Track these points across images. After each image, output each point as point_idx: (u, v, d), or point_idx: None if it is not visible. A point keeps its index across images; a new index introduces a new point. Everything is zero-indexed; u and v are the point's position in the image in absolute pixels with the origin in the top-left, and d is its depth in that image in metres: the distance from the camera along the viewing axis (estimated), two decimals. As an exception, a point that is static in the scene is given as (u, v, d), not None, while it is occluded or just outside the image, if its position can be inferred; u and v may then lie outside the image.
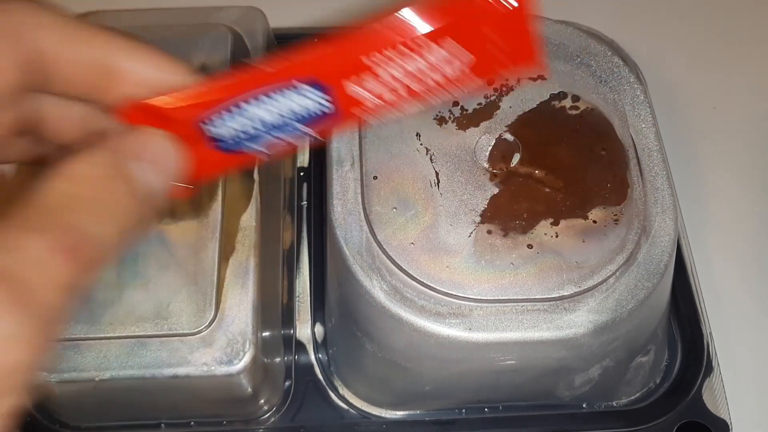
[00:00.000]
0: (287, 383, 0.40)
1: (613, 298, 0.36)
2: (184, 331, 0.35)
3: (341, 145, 0.40)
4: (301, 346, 0.41)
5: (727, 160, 0.51)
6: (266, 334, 0.38)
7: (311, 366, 0.41)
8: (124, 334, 0.35)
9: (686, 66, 0.56)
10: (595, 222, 0.37)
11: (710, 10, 0.59)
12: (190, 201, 0.38)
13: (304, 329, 0.42)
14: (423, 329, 0.36)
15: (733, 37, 0.58)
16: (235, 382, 0.35)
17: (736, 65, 0.56)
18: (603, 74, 0.42)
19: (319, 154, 0.46)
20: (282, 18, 0.48)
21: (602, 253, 0.36)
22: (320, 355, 0.42)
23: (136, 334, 0.35)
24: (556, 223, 0.37)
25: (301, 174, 0.46)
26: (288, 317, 0.42)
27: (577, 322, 0.36)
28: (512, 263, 0.36)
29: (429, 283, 0.36)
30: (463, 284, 0.36)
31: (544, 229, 0.37)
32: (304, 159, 0.47)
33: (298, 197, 0.45)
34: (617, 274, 0.36)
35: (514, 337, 0.36)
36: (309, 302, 0.43)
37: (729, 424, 0.39)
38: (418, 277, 0.36)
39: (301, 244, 0.44)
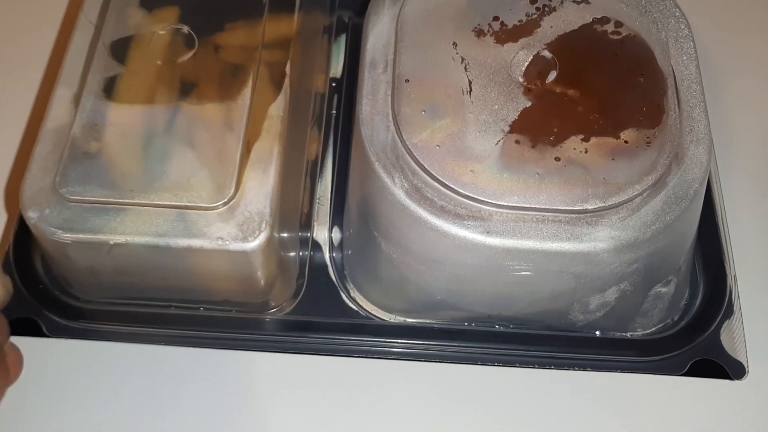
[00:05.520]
0: (300, 281, 0.40)
1: (638, 217, 0.35)
2: (203, 205, 0.35)
3: (376, 49, 0.40)
4: (317, 247, 0.41)
5: (759, 111, 0.50)
6: (283, 233, 0.38)
7: (325, 266, 0.41)
8: (143, 202, 0.35)
9: (715, 26, 0.54)
10: (626, 142, 0.36)
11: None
12: (219, 85, 0.38)
13: (322, 232, 0.42)
14: (440, 229, 0.35)
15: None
16: (248, 261, 0.35)
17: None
18: (648, 5, 0.41)
19: (354, 65, 0.46)
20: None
21: (631, 172, 0.36)
22: (335, 255, 0.41)
23: (155, 202, 0.35)
24: (586, 140, 0.36)
25: (334, 85, 0.46)
26: (308, 222, 0.42)
27: (598, 237, 0.35)
28: (538, 173, 0.35)
29: (450, 185, 0.35)
30: (485, 189, 0.35)
31: (573, 144, 0.36)
32: (337, 70, 0.47)
33: (329, 107, 0.45)
34: (644, 194, 0.36)
35: (532, 245, 0.35)
36: (329, 206, 0.43)
37: (746, 366, 0.38)
38: (440, 178, 0.35)
39: (326, 152, 0.44)
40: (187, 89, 0.38)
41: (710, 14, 0.53)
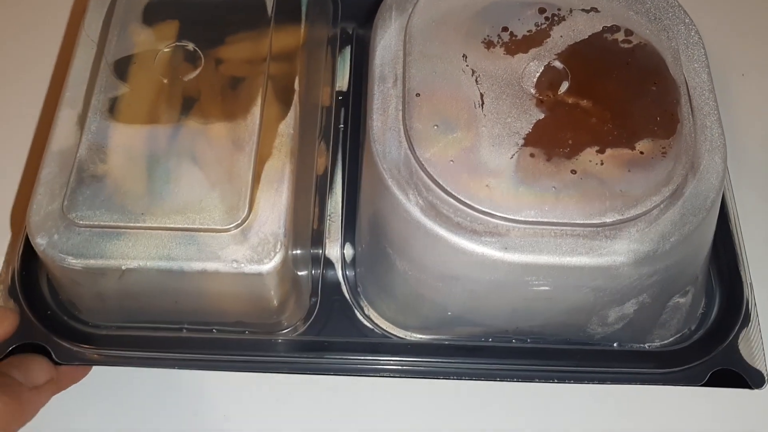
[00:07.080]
0: (313, 300, 0.40)
1: (657, 229, 0.35)
2: (216, 227, 0.34)
3: (384, 62, 0.40)
4: (329, 264, 0.41)
5: (755, 124, 0.50)
6: (296, 252, 0.37)
7: (338, 284, 0.40)
8: (155, 225, 0.34)
9: (715, 33, 0.54)
10: (642, 153, 0.36)
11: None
12: (227, 102, 0.37)
13: (334, 249, 0.41)
14: (457, 246, 0.35)
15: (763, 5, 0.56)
16: (263, 283, 0.34)
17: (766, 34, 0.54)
18: (657, 12, 0.41)
19: (359, 78, 0.46)
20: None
21: (648, 184, 0.35)
22: (348, 273, 0.41)
23: (167, 226, 0.34)
24: (601, 151, 0.36)
25: (340, 98, 0.45)
26: (318, 238, 0.41)
27: (617, 250, 0.35)
28: (554, 187, 0.35)
29: (466, 200, 0.35)
30: (502, 204, 0.35)
31: (589, 156, 0.36)
32: (343, 83, 0.46)
33: (336, 121, 0.45)
34: (662, 206, 0.35)
35: (551, 260, 0.35)
36: (340, 222, 0.42)
37: (765, 375, 0.38)
38: (455, 194, 0.35)
39: (335, 167, 0.43)
40: (194, 108, 0.37)
41: (718, 19, 0.53)
